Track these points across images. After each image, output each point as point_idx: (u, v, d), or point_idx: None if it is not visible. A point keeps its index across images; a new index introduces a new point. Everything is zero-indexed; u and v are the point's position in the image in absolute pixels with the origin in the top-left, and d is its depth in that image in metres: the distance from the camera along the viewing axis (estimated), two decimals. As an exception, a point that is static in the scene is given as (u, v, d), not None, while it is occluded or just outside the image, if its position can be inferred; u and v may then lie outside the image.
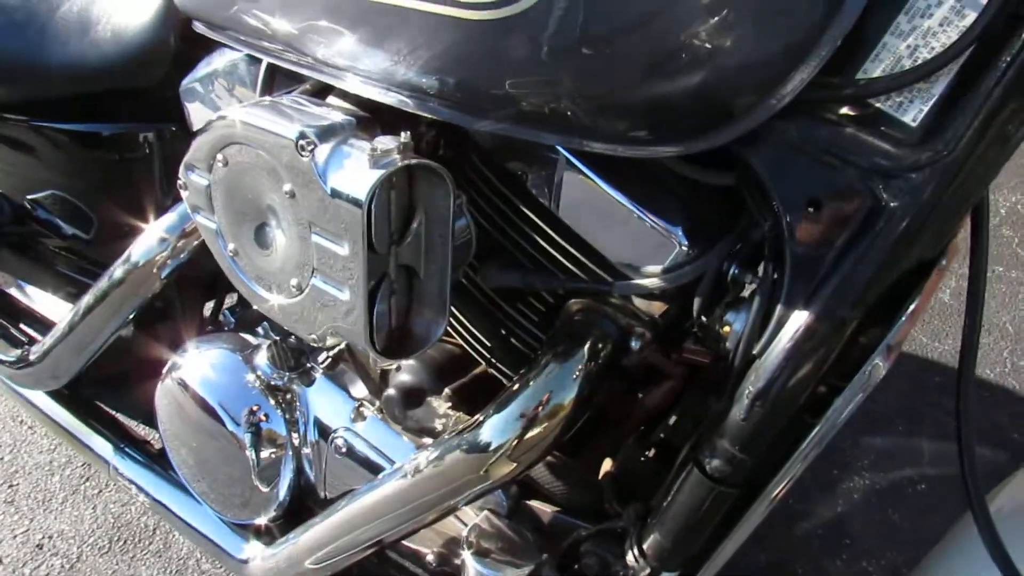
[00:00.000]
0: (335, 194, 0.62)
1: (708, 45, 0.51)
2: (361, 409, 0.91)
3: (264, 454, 0.95)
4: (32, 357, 1.08)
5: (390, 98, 0.63)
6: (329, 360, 0.91)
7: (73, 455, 1.59)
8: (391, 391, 0.85)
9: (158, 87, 1.01)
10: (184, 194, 0.77)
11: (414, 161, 0.61)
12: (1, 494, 1.52)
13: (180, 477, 1.05)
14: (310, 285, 0.68)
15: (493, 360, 0.80)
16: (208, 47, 0.92)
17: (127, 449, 1.15)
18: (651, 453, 0.81)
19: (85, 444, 1.17)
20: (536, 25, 0.52)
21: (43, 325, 1.22)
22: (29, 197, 1.17)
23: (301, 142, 0.62)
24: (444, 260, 0.68)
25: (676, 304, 0.69)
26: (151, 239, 1.00)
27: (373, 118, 0.68)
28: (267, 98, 0.73)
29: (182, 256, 1.00)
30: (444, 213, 0.66)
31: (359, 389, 0.94)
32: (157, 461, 1.15)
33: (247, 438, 0.95)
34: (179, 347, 1.09)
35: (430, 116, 0.62)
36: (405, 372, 0.85)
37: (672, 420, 0.78)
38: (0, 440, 1.63)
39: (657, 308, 0.70)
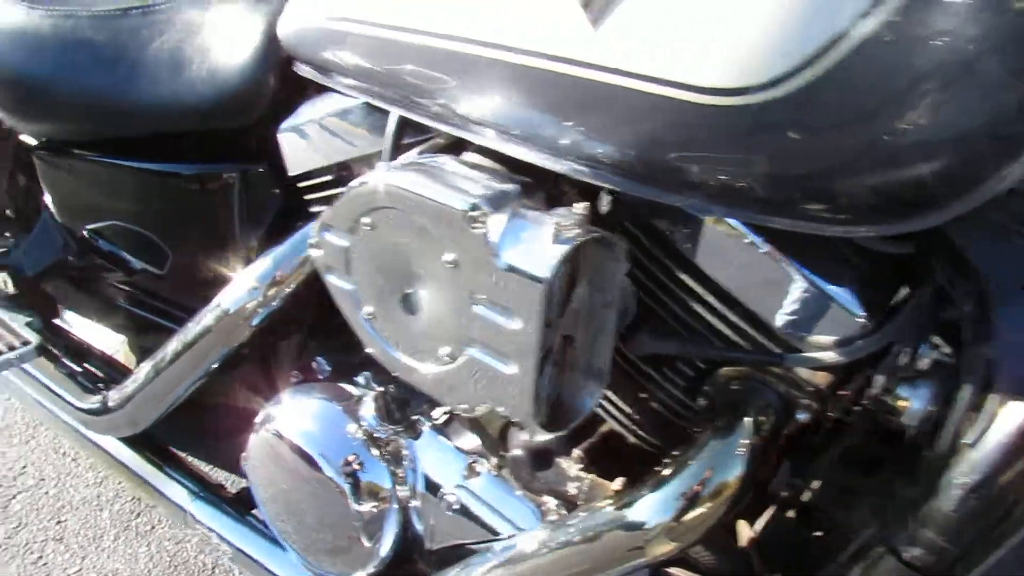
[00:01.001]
0: (511, 268, 0.59)
1: (941, 134, 0.48)
2: (475, 465, 0.88)
3: (368, 508, 0.92)
4: (111, 404, 1.04)
5: (561, 166, 0.60)
6: (446, 416, 0.88)
7: (121, 489, 1.55)
8: (518, 452, 0.82)
9: (249, 129, 0.97)
10: (315, 253, 0.73)
11: (599, 234, 0.59)
12: (50, 531, 1.48)
13: (269, 527, 1.01)
14: (466, 356, 0.65)
15: (632, 426, 0.77)
16: (308, 89, 0.89)
17: (204, 495, 1.12)
18: (790, 515, 0.79)
19: (158, 490, 1.13)
20: (769, 115, 0.49)
21: (109, 365, 1.19)
22: (91, 227, 1.13)
23: (472, 213, 0.59)
24: (607, 327, 0.65)
25: (839, 373, 0.67)
26: (242, 287, 0.97)
27: (535, 183, 0.65)
28: (413, 158, 0.70)
29: (273, 304, 0.97)
30: (613, 281, 0.63)
31: (468, 442, 0.91)
32: (235, 507, 1.12)
33: (350, 491, 0.92)
34: (265, 394, 1.07)
35: (608, 186, 0.59)
36: (528, 432, 0.83)
37: (816, 484, 0.76)
38: (44, 473, 1.58)
39: (821, 377, 0.67)
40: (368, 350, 0.74)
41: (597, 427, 0.84)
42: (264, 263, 0.97)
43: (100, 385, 1.08)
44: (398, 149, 0.75)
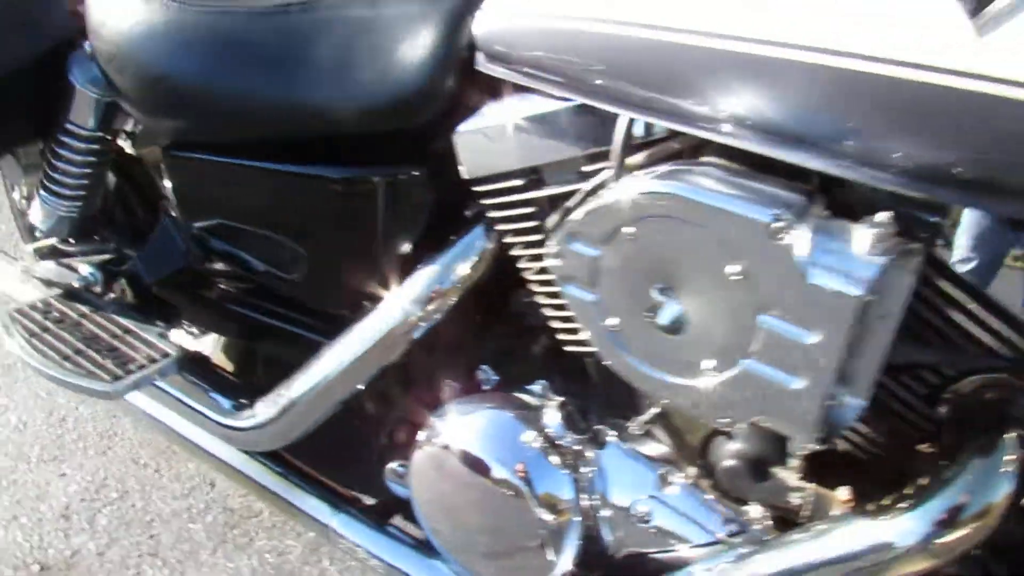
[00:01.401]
0: (819, 283, 0.57)
1: None
2: (667, 475, 0.86)
3: (549, 519, 0.90)
4: (261, 418, 1.00)
5: (860, 174, 0.58)
6: (647, 426, 0.86)
7: (212, 501, 1.50)
8: (732, 462, 0.80)
9: (414, 131, 0.94)
10: (555, 263, 0.71)
11: (913, 246, 0.57)
12: (143, 545, 1.43)
13: (432, 540, 0.98)
14: (738, 369, 0.63)
15: (857, 435, 0.76)
16: (488, 90, 0.85)
17: (344, 509, 1.08)
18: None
19: (295, 505, 1.10)
20: None
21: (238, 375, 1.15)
22: (218, 231, 1.09)
23: (776, 225, 0.57)
24: (882, 340, 0.63)
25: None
26: (402, 300, 0.94)
27: (815, 191, 0.63)
28: (665, 163, 0.67)
29: (436, 317, 0.94)
30: (902, 295, 0.61)
31: (654, 450, 0.89)
32: (377, 519, 1.08)
33: (530, 503, 0.89)
34: (409, 403, 1.04)
35: (920, 196, 0.57)
36: (742, 441, 0.80)
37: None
38: (126, 486, 1.53)
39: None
40: (607, 362, 0.72)
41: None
42: (430, 270, 0.94)
43: (242, 398, 1.04)
44: (626, 153, 0.73)
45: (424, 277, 0.94)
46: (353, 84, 0.90)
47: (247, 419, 1.01)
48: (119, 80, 0.97)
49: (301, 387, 0.99)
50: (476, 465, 0.92)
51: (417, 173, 0.96)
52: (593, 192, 0.75)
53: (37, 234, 1.29)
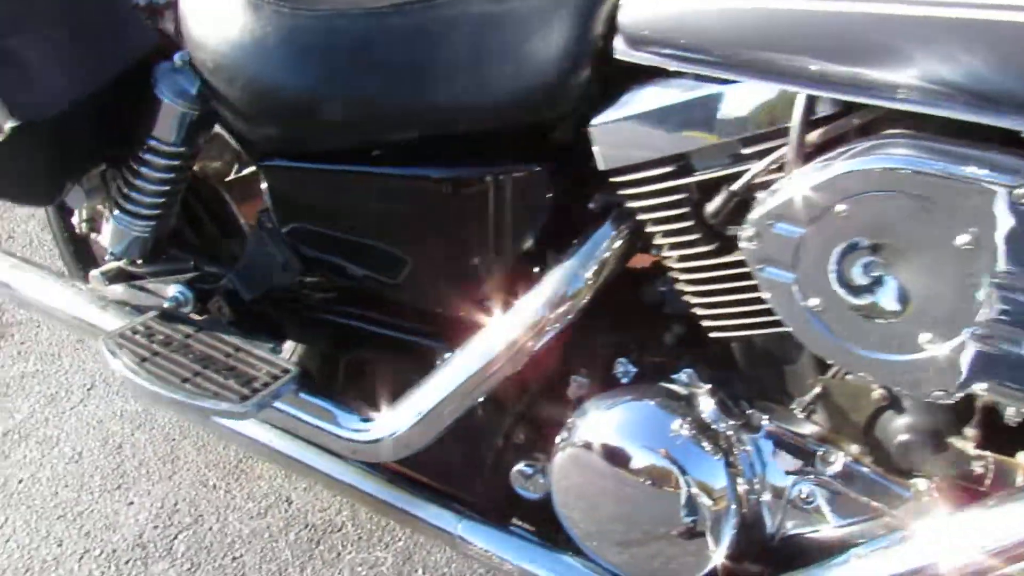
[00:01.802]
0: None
1: None
2: (827, 455, 0.86)
3: (705, 507, 0.89)
4: (391, 431, 0.97)
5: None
6: (809, 408, 0.86)
7: (291, 517, 1.47)
8: (907, 436, 0.80)
9: (533, 128, 0.92)
10: (750, 246, 0.70)
11: None
12: (228, 569, 1.39)
13: (580, 543, 0.97)
14: (963, 339, 0.63)
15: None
16: (625, 79, 0.84)
17: (469, 514, 1.06)
18: None
19: (415, 515, 1.07)
20: None
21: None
22: (317, 241, 1.06)
23: (1019, 190, 0.57)
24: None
25: None
26: (535, 301, 0.92)
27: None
28: (879, 140, 0.66)
29: (570, 316, 0.92)
30: None
31: (808, 430, 0.89)
32: (503, 522, 1.06)
33: (686, 493, 0.89)
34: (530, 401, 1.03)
35: None
36: (916, 414, 0.81)
37: None
38: (199, 509, 1.49)
39: None
40: (806, 343, 0.71)
41: (973, 402, 0.83)
42: (562, 269, 0.92)
43: (361, 411, 1.01)
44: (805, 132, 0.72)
45: (556, 276, 0.92)
46: (483, 82, 0.88)
47: (374, 431, 0.98)
48: (227, 92, 0.93)
49: (432, 395, 0.96)
50: (626, 460, 0.91)
51: (538, 169, 0.95)
52: (764, 173, 0.75)
53: (107, 258, 1.25)
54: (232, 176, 1.33)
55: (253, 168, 1.33)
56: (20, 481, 1.55)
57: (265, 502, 1.50)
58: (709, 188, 0.82)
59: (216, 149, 1.28)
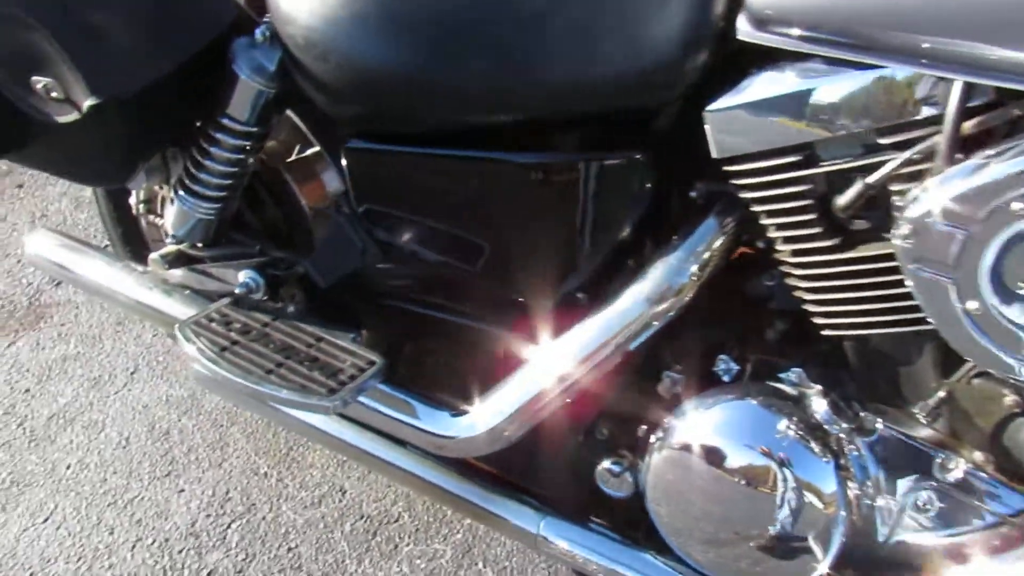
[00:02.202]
0: None
1: None
2: (946, 461, 0.83)
3: (813, 511, 0.85)
4: (483, 426, 0.93)
5: None
6: (934, 412, 0.82)
7: (345, 508, 1.43)
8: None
9: (640, 112, 0.88)
10: (905, 243, 0.66)
11: None
12: (284, 559, 1.36)
13: (675, 547, 0.93)
14: None
15: None
16: (745, 62, 0.80)
17: (552, 513, 1.03)
18: None
19: (495, 514, 1.04)
20: None
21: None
22: (399, 226, 1.02)
23: None
24: None
25: None
26: (639, 293, 0.89)
27: None
28: None
29: (674, 311, 0.88)
30: None
31: (924, 433, 0.85)
32: (586, 521, 1.03)
33: (793, 498, 0.85)
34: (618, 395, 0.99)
35: None
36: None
37: None
38: (252, 498, 1.46)
39: None
40: (957, 347, 0.67)
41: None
42: (667, 261, 0.88)
43: (445, 404, 0.97)
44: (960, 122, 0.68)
45: (659, 270, 0.89)
46: (591, 62, 0.84)
47: (465, 426, 0.95)
48: (317, 69, 0.89)
49: (526, 388, 0.93)
50: (730, 461, 0.87)
51: (638, 156, 0.91)
52: (906, 166, 0.71)
53: (168, 240, 1.21)
54: (294, 157, 1.28)
55: (316, 149, 1.29)
56: (68, 467, 1.52)
57: (318, 491, 1.46)
58: (837, 180, 0.78)
59: (278, 128, 1.24)
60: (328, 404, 0.87)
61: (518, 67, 0.84)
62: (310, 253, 1.08)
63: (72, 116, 0.93)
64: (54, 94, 0.92)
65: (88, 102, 0.90)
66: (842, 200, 0.76)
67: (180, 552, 1.39)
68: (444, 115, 0.89)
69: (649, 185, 0.92)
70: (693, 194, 0.92)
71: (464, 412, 0.96)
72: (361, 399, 0.97)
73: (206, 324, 0.97)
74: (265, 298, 1.10)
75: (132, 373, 1.71)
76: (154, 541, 1.40)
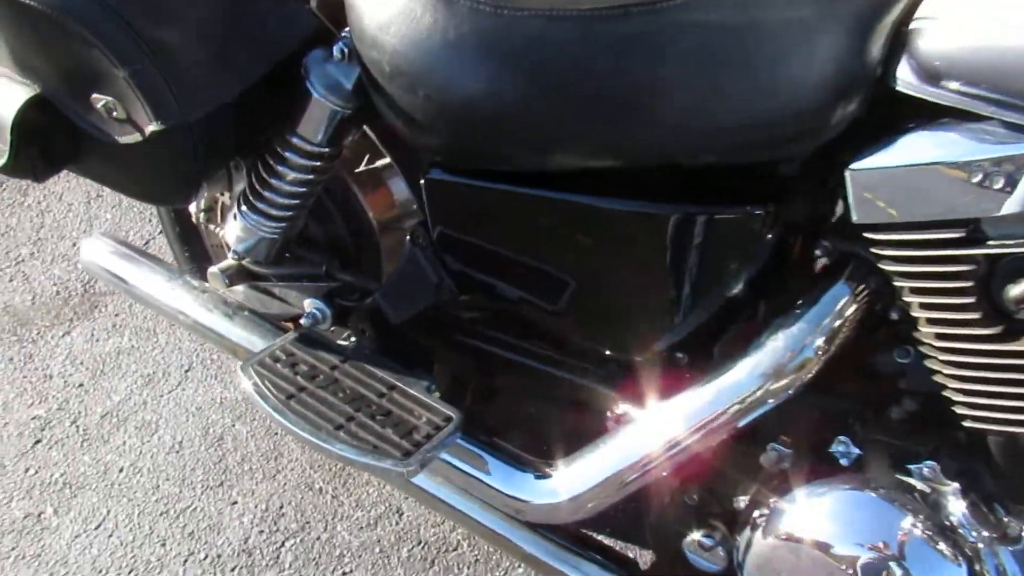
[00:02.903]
0: None
1: None
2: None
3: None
4: (561, 495, 0.85)
5: None
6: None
7: (403, 532, 1.37)
8: None
9: (769, 164, 0.78)
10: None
11: None
12: (337, 585, 1.32)
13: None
14: None
15: None
16: (903, 117, 0.68)
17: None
18: None
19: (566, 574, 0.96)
20: None
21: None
22: (459, 257, 0.93)
23: None
24: None
25: None
26: (746, 371, 0.79)
27: None
28: None
29: (788, 392, 0.78)
30: None
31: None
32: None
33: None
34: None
35: None
36: None
37: None
38: (306, 515, 1.41)
39: None
40: None
41: None
42: (788, 333, 0.78)
43: (525, 464, 0.89)
44: None
45: (779, 340, 0.78)
46: (716, 107, 0.72)
47: (549, 492, 0.86)
48: (404, 99, 0.79)
49: (618, 455, 0.84)
50: (844, 558, 0.78)
51: (758, 212, 0.80)
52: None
53: (230, 256, 1.14)
54: (363, 167, 1.20)
55: (386, 160, 1.20)
56: (121, 470, 1.49)
57: (375, 511, 1.41)
58: (1007, 265, 0.67)
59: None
60: (402, 469, 0.80)
61: (625, 109, 0.73)
62: (377, 276, 0.99)
63: (133, 137, 0.86)
64: (115, 114, 0.85)
65: (151, 128, 0.82)
66: (1015, 291, 0.65)
67: (233, 570, 1.34)
68: (541, 155, 0.79)
69: (766, 241, 0.82)
70: (819, 254, 0.81)
71: (546, 475, 0.88)
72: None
73: (271, 365, 0.90)
74: (332, 328, 1.03)
75: (186, 371, 1.66)
76: (206, 556, 1.36)
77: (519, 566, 1.32)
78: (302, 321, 1.02)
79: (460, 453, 0.89)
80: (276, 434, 1.54)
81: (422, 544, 1.36)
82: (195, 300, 1.12)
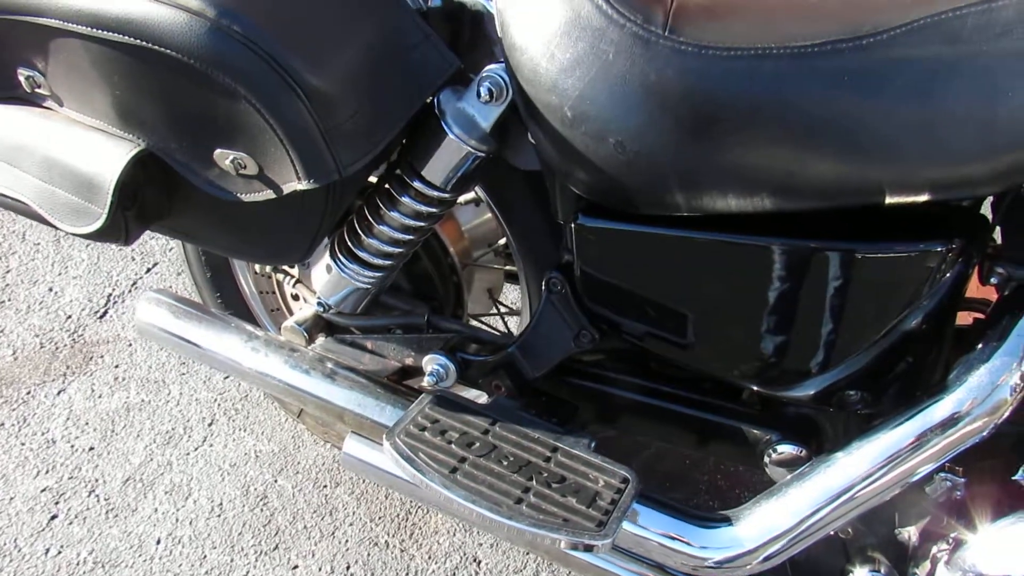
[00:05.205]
0: None
1: None
2: None
3: None
4: (745, 548, 0.81)
5: None
6: None
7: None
8: None
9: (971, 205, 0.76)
10: None
11: None
12: (427, 647, 1.23)
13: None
14: None
15: None
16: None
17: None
18: None
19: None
20: None
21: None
22: (605, 305, 0.88)
23: None
24: None
25: None
26: (932, 418, 0.77)
27: None
28: None
29: (982, 435, 0.77)
30: None
31: None
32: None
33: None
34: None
35: None
36: None
37: None
38: (376, 573, 1.31)
39: None
40: None
41: None
42: (978, 375, 0.76)
43: (698, 518, 0.85)
44: None
45: (975, 378, 0.77)
46: (924, 147, 0.70)
47: (732, 546, 0.82)
48: (586, 145, 0.73)
49: (805, 503, 0.81)
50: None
51: (940, 248, 0.78)
52: None
53: (316, 305, 1.04)
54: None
55: (472, 197, 1.14)
56: (158, 541, 1.35)
57: (449, 563, 1.33)
58: None
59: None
60: (601, 542, 0.74)
61: (832, 152, 0.70)
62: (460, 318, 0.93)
63: (264, 195, 0.77)
64: (244, 170, 0.75)
65: (299, 186, 0.73)
66: None
67: (307, 642, 1.25)
68: (728, 198, 0.75)
69: (949, 276, 0.80)
70: (994, 282, 0.80)
71: (725, 522, 0.84)
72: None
73: (418, 435, 0.82)
74: (451, 385, 0.96)
75: (210, 424, 1.53)
76: (275, 630, 1.26)
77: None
78: (426, 380, 0.94)
79: (635, 514, 0.84)
80: (325, 486, 1.43)
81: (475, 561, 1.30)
82: (286, 361, 1.01)
